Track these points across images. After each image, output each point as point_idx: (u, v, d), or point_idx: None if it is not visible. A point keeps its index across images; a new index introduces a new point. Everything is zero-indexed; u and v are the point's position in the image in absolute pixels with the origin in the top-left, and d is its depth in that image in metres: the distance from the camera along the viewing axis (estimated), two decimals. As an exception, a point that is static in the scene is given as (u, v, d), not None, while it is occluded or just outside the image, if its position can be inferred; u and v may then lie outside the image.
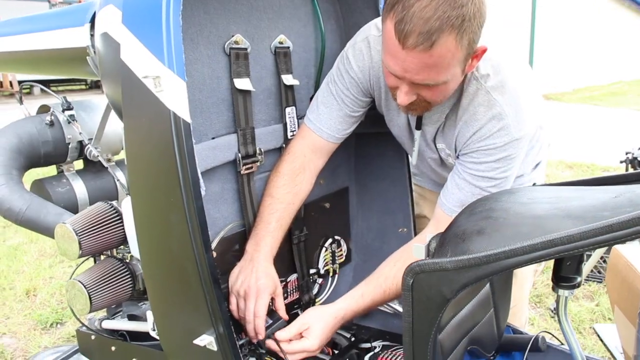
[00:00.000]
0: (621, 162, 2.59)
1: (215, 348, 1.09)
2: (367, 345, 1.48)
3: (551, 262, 0.98)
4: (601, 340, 1.86)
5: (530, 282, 1.70)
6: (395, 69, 1.13)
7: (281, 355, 1.27)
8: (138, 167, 1.13)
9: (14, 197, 1.67)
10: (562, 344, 1.44)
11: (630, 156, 2.55)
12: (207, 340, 1.08)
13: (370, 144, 1.73)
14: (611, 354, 1.75)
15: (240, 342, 1.32)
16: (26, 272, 3.42)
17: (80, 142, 1.81)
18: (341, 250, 1.76)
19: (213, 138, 1.30)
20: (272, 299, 1.34)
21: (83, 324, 1.73)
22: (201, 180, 1.07)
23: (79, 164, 1.90)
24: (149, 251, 1.18)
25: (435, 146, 1.41)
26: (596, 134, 8.02)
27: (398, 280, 1.32)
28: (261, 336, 1.29)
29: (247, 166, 1.37)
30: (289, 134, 1.48)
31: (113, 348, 1.62)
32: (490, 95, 1.24)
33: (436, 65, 1.09)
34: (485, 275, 0.86)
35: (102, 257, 1.62)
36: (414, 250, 1.05)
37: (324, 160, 1.46)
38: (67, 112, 1.78)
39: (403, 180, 1.70)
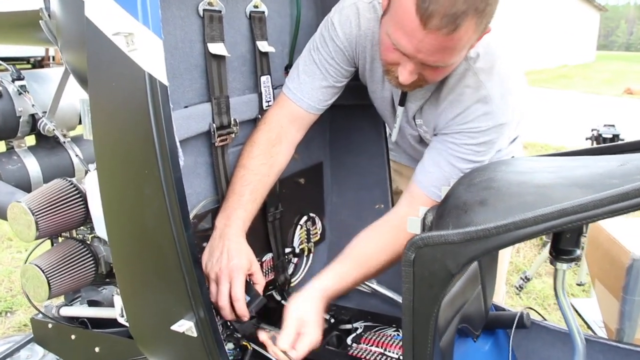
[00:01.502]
0: (587, 139, 2.63)
1: (194, 334, 1.00)
2: (349, 326, 1.42)
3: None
4: (580, 315, 1.87)
5: (509, 257, 1.68)
6: (408, 47, 1.06)
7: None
8: (107, 138, 1.01)
9: (-43, 175, 1.52)
10: (544, 319, 1.43)
11: (595, 133, 2.58)
12: (186, 326, 0.99)
13: (347, 117, 1.66)
14: (590, 328, 1.76)
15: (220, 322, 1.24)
16: (-30, 258, 3.20)
17: (33, 116, 1.65)
18: (316, 228, 1.69)
19: (186, 107, 1.20)
20: (250, 275, 1.26)
21: (39, 311, 1.61)
22: (180, 150, 0.97)
23: (30, 140, 1.74)
24: (119, 230, 1.08)
25: (415, 123, 1.36)
26: (548, 115, 8.22)
27: (379, 258, 1.27)
28: (246, 318, 1.22)
29: (222, 138, 1.28)
30: (264, 104, 1.39)
31: (73, 336, 1.51)
32: (478, 77, 1.20)
33: (452, 48, 1.04)
34: (494, 248, 0.81)
35: (60, 239, 1.49)
36: (409, 224, 0.99)
37: (302, 132, 1.38)
38: (18, 83, 1.62)
39: (381, 155, 1.64)
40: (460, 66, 1.20)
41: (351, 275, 1.28)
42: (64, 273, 1.33)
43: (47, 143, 1.73)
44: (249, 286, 1.25)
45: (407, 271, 0.87)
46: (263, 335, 1.20)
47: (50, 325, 1.57)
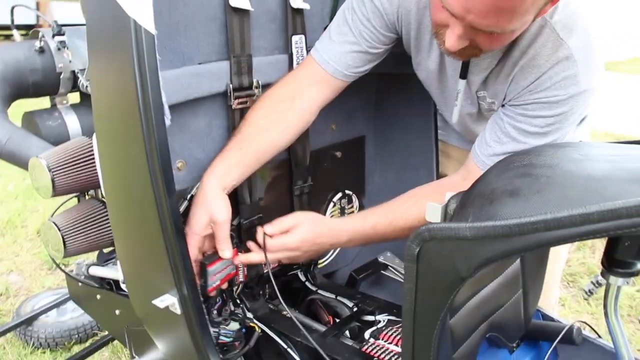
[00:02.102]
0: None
1: (178, 311, 0.91)
2: (371, 318, 1.28)
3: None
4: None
5: (564, 257, 1.45)
6: (455, 6, 0.87)
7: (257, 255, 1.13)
8: (99, 94, 0.93)
9: (-5, 128, 1.51)
10: (600, 336, 1.21)
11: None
12: (168, 302, 0.90)
13: (395, 88, 1.48)
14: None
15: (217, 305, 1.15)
16: (40, 211, 3.33)
17: (74, 73, 1.62)
18: (352, 206, 1.55)
19: (200, 64, 1.09)
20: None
21: (63, 271, 1.60)
22: (166, 108, 0.86)
23: (75, 98, 1.72)
24: (113, 194, 1.01)
25: (477, 97, 1.17)
26: (625, 102, 7.39)
27: (408, 217, 1.14)
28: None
29: (241, 100, 1.15)
30: (295, 66, 1.25)
31: (98, 296, 1.48)
32: (557, 34, 0.99)
33: (510, 10, 0.84)
34: (516, 251, 0.63)
35: (87, 197, 1.46)
36: (428, 211, 0.83)
37: (327, 96, 1.21)
38: (58, 38, 1.59)
39: (428, 132, 1.45)
40: (535, 23, 0.99)
41: (372, 223, 1.16)
42: (80, 233, 1.28)
43: (88, 101, 1.70)
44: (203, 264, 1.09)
45: (410, 268, 0.72)
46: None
47: (80, 284, 1.56)
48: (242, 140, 1.12)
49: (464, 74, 1.13)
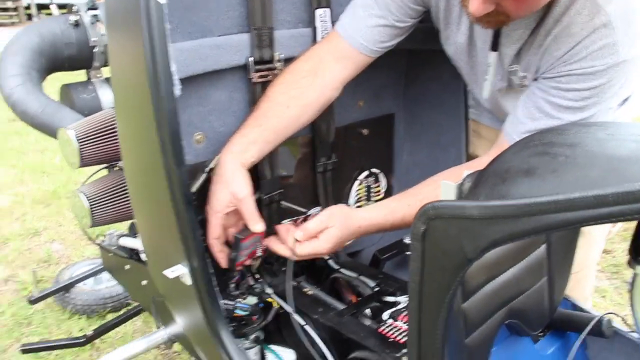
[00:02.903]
0: None
1: (188, 282, 0.91)
2: (392, 299, 1.26)
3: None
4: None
5: (600, 245, 1.37)
6: None
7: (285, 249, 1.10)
8: (115, 63, 0.93)
9: (30, 99, 1.55)
10: (633, 330, 1.15)
11: None
12: (178, 272, 0.91)
13: (424, 65, 1.44)
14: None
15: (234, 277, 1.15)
16: (86, 183, 3.45)
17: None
18: (379, 186, 1.51)
19: (219, 36, 1.07)
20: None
21: (93, 241, 1.64)
22: (176, 78, 0.85)
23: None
24: (130, 163, 1.02)
25: (508, 72, 1.11)
26: None
27: None
28: (223, 264, 1.08)
29: (262, 73, 1.14)
30: (320, 40, 1.22)
31: (127, 267, 1.51)
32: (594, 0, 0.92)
33: None
34: (525, 233, 0.60)
35: (117, 168, 1.49)
36: (442, 190, 0.79)
37: (350, 72, 1.18)
38: (92, 12, 1.61)
39: (458, 111, 1.40)
40: None
41: (400, 212, 1.13)
42: (108, 203, 1.30)
43: (122, 73, 1.72)
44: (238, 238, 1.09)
45: (416, 246, 0.69)
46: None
47: (110, 254, 1.60)
48: (261, 117, 1.10)
49: (494, 46, 1.07)
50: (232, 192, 1.04)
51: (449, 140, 1.46)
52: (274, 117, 1.11)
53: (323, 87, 1.16)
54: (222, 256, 1.07)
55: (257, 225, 1.06)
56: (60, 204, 3.18)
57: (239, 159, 1.06)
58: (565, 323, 1.12)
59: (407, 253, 1.51)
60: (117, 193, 1.31)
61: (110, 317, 2.18)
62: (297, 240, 1.08)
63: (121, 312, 2.17)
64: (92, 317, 2.20)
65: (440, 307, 0.71)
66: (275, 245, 1.12)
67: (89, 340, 1.91)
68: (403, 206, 1.12)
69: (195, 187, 1.05)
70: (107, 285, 2.26)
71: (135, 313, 2.04)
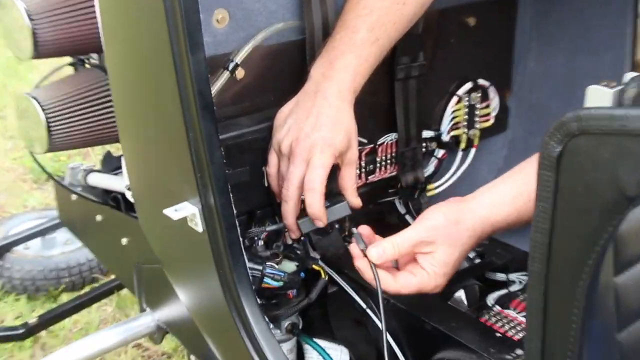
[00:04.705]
0: None
1: (199, 227, 1.00)
2: (501, 276, 1.33)
3: None
4: None
5: None
6: None
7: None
8: None
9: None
10: None
11: None
12: (184, 212, 0.99)
13: None
14: None
15: (271, 228, 1.23)
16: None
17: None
18: (489, 106, 1.59)
19: None
20: (337, 166, 1.22)
21: (50, 175, 1.73)
22: None
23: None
24: (117, 51, 1.09)
25: None
26: None
27: None
28: (322, 223, 1.20)
29: None
30: None
31: (99, 217, 1.61)
32: None
33: None
34: None
35: (87, 66, 1.57)
36: (588, 94, 0.84)
37: None
38: None
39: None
40: None
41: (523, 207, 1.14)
42: (74, 115, 1.38)
43: None
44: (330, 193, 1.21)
45: (546, 178, 0.74)
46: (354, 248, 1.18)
47: (73, 197, 1.69)
48: (378, 27, 1.22)
49: None
50: (348, 138, 1.20)
51: (603, 41, 1.50)
52: (391, 24, 1.24)
53: None
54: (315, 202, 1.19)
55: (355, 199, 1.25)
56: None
57: (351, 87, 1.21)
58: None
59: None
60: (89, 101, 1.40)
61: (65, 298, 2.26)
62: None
63: (82, 291, 2.26)
64: (38, 297, 2.29)
65: (579, 275, 0.75)
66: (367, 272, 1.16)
67: (30, 332, 2.00)
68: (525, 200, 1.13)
69: (213, 90, 1.13)
70: (62, 250, 2.37)
71: (105, 293, 2.12)
